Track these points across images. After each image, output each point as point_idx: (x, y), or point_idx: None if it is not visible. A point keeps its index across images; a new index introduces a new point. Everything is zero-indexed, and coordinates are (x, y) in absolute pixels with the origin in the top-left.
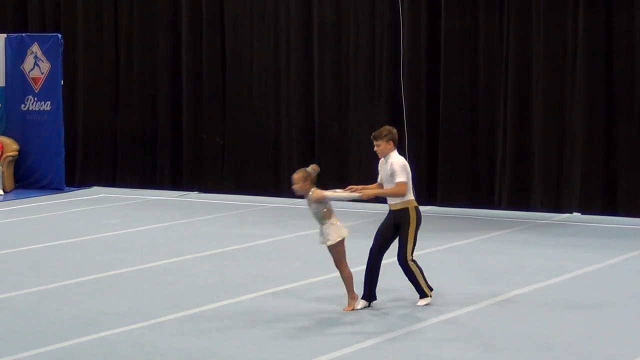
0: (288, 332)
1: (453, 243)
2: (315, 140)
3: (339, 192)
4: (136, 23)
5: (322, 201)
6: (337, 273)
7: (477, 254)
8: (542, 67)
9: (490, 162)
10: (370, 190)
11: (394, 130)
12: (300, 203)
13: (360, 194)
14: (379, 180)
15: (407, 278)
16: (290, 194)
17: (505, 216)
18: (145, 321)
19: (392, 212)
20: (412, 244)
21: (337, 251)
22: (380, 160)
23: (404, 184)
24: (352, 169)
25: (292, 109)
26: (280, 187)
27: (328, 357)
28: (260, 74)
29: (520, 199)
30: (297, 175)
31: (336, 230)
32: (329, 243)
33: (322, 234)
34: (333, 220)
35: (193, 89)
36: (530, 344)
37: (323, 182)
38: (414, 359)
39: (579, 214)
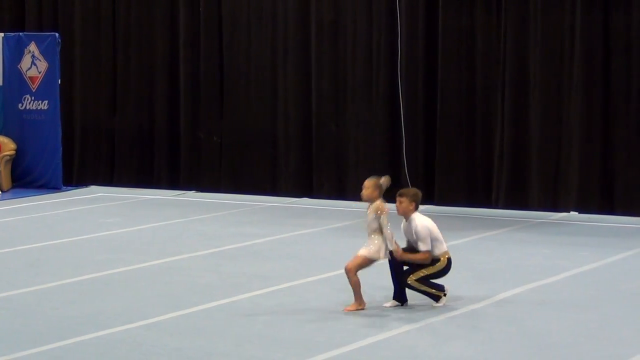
0: (285, 331)
1: (450, 242)
2: (312, 139)
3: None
4: (134, 22)
5: (380, 214)
6: (334, 272)
7: (474, 253)
8: (539, 66)
9: (487, 161)
10: (403, 253)
11: (420, 194)
12: (297, 202)
13: (395, 248)
14: (406, 243)
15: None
16: (287, 193)
17: (503, 215)
18: (143, 320)
19: None
20: (423, 275)
21: (362, 260)
22: (403, 223)
23: (429, 252)
24: (350, 168)
25: (289, 108)
26: (278, 186)
27: (325, 356)
28: (257, 73)
29: (518, 198)
30: (369, 182)
31: (377, 247)
32: (365, 253)
33: (367, 242)
34: (380, 238)
35: (190, 88)
36: (527, 343)
37: (320, 180)
38: (411, 358)
39: (576, 212)
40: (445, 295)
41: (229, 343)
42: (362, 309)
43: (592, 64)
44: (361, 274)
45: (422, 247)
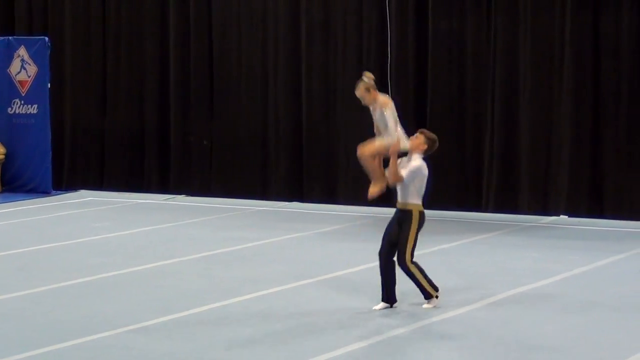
0: (275, 335)
1: (441, 246)
2: (302, 142)
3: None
4: (124, 25)
5: (383, 108)
6: (324, 276)
7: (465, 256)
8: (530, 69)
9: (477, 164)
10: (393, 153)
11: (437, 144)
12: (288, 207)
13: (395, 142)
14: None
15: (409, 280)
16: (277, 196)
17: (493, 219)
18: (133, 325)
19: (397, 210)
20: (411, 245)
21: (378, 147)
22: (404, 158)
23: (402, 177)
24: (340, 171)
25: (279, 111)
26: (268, 190)
27: None
28: (247, 75)
29: (508, 201)
30: (359, 91)
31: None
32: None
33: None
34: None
35: (180, 91)
36: (518, 346)
37: (310, 184)
38: None
39: (566, 216)
40: (437, 297)
41: (220, 347)
42: (385, 186)
43: (581, 67)
44: (349, 275)
45: (403, 172)
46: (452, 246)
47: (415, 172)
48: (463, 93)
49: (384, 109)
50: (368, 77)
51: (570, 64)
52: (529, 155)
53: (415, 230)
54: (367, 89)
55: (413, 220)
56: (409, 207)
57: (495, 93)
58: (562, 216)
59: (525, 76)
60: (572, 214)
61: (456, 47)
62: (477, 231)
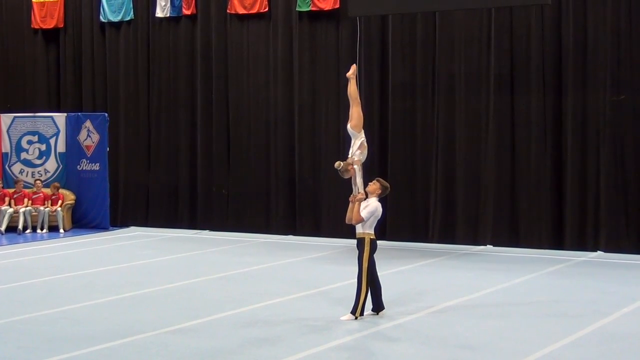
0: (277, 334)
1: (399, 268)
2: (295, 191)
3: (358, 177)
4: (163, 104)
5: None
6: (312, 291)
7: (416, 275)
8: (463, 136)
9: (425, 206)
10: (358, 201)
11: (388, 191)
12: (285, 239)
13: (354, 197)
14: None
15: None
16: (277, 231)
17: (437, 248)
18: (169, 327)
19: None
20: (366, 265)
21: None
22: (364, 201)
23: (362, 220)
24: (323, 213)
25: (278, 168)
26: (270, 227)
27: (306, 353)
28: (255, 142)
29: (448, 235)
30: (347, 173)
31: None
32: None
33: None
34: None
35: (205, 153)
36: (456, 342)
37: (302, 222)
38: (369, 354)
39: (491, 246)
40: (356, 318)
41: (235, 343)
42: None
43: (501, 135)
44: (331, 290)
45: (363, 213)
46: (407, 268)
47: (372, 212)
48: (414, 154)
49: (357, 167)
50: (338, 165)
51: (493, 133)
52: (463, 200)
53: (368, 253)
54: (348, 170)
55: (366, 246)
56: (363, 236)
57: (438, 153)
58: (488, 246)
59: (460, 142)
60: (495, 244)
61: (410, 121)
62: (426, 257)
